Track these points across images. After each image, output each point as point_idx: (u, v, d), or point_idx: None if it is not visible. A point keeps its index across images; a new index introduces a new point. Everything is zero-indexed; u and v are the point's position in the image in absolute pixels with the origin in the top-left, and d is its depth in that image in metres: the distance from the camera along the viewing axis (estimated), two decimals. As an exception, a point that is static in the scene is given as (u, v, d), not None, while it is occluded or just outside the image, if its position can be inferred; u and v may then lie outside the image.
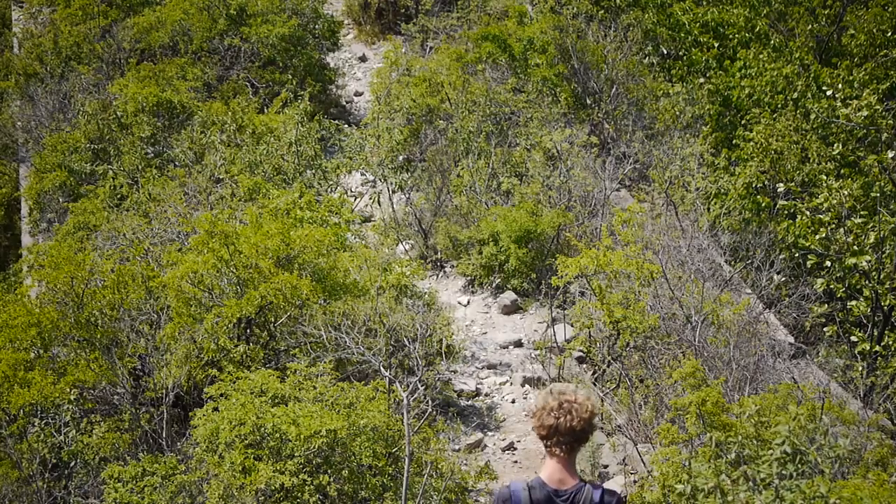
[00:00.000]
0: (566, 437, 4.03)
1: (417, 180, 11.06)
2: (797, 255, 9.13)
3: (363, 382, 6.31)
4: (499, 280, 9.54)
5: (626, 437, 6.71)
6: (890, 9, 12.53)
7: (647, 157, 10.68)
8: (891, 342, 8.01)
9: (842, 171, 9.91)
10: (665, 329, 7.18)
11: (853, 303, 8.38)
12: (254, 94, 13.26)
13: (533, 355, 8.26)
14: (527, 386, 7.90)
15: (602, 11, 13.38)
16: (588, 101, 12.12)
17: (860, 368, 7.63)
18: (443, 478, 5.85)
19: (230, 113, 11.24)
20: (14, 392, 6.56)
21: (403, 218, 10.74)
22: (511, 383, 8.00)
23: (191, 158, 10.80)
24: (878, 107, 9.10)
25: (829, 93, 10.04)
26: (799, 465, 4.60)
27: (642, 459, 6.37)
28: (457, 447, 7.11)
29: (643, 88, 12.01)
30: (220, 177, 10.05)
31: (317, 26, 14.86)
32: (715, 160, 10.52)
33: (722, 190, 10.04)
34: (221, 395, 5.86)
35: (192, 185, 9.70)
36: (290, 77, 13.56)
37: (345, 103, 14.96)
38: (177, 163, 10.98)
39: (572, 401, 4.03)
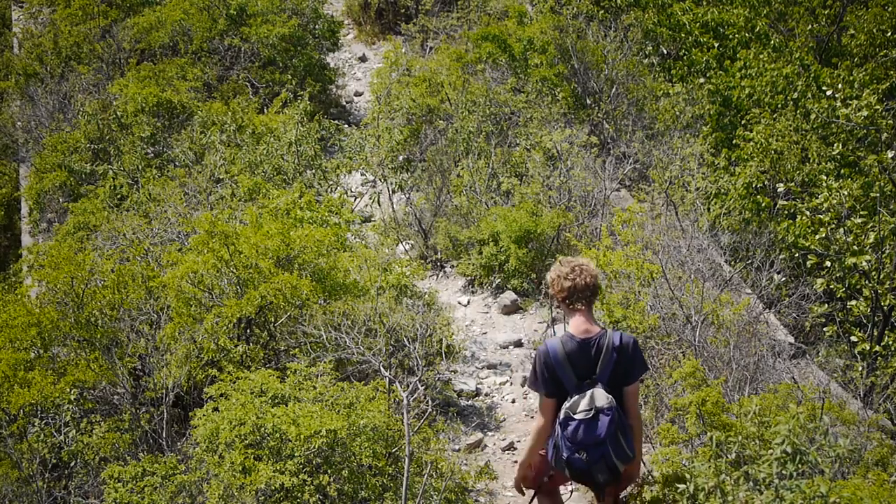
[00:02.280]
0: (583, 293, 4.87)
1: (417, 180, 11.05)
2: (797, 255, 9.14)
3: (363, 382, 6.31)
4: (499, 280, 9.53)
5: (626, 437, 6.69)
6: (890, 9, 12.55)
7: (647, 157, 10.67)
8: (891, 342, 8.01)
9: (842, 171, 9.92)
10: (665, 329, 7.17)
11: (853, 303, 8.39)
12: (254, 94, 13.27)
13: (533, 355, 8.26)
14: (527, 386, 7.90)
15: (602, 11, 13.38)
16: (588, 101, 12.12)
17: (860, 368, 7.63)
18: (443, 478, 5.85)
19: (230, 113, 11.24)
20: (14, 392, 6.56)
21: (403, 218, 10.73)
22: (511, 383, 8.00)
23: (191, 158, 10.80)
24: (877, 107, 9.10)
25: (829, 93, 10.04)
26: (799, 465, 4.60)
27: (642, 459, 6.36)
28: (457, 447, 7.11)
29: (643, 88, 12.01)
30: (220, 177, 10.05)
31: (317, 26, 14.87)
32: (715, 160, 10.52)
33: (722, 190, 10.04)
34: (221, 395, 5.86)
35: (192, 185, 9.70)
36: (290, 77, 13.56)
37: (345, 103, 14.97)
38: (177, 163, 10.97)
39: (581, 264, 4.92)
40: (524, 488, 5.23)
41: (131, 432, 6.59)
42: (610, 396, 4.84)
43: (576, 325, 4.92)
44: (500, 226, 9.36)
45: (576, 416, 4.83)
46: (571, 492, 6.60)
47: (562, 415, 4.88)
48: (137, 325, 7.18)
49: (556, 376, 4.87)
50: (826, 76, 10.72)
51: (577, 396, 4.84)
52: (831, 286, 8.63)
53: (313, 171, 10.59)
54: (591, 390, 4.84)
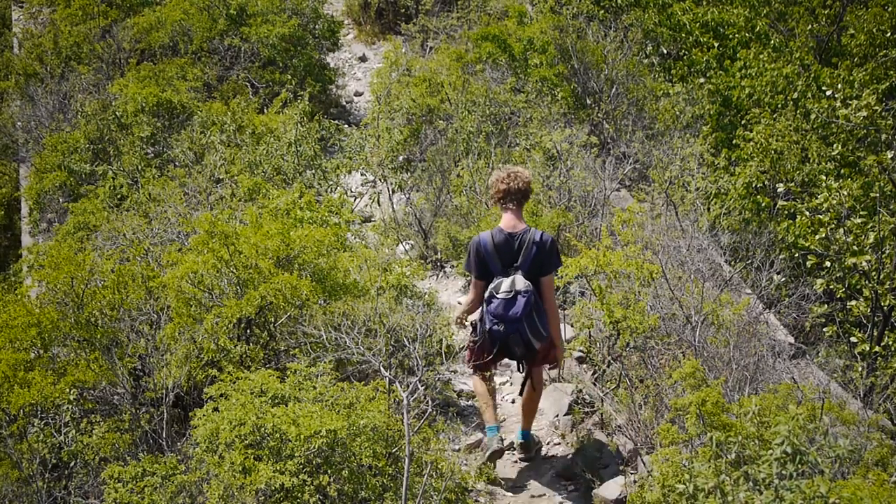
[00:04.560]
0: (515, 195, 6.06)
1: (417, 180, 11.05)
2: (797, 255, 9.14)
3: (363, 383, 6.31)
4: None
5: (626, 437, 6.71)
6: (890, 9, 12.56)
7: (647, 157, 10.67)
8: (891, 342, 8.03)
9: (842, 171, 9.93)
10: (665, 329, 7.17)
11: (853, 303, 8.39)
12: (254, 94, 13.27)
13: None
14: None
15: (602, 11, 13.39)
16: (588, 101, 12.13)
17: (860, 368, 7.64)
18: (443, 478, 5.85)
19: (230, 113, 11.24)
20: (14, 392, 6.56)
21: (403, 218, 10.73)
22: (511, 383, 7.99)
23: (191, 158, 10.79)
24: (877, 107, 9.11)
25: (829, 93, 10.05)
26: (799, 465, 4.59)
27: (642, 459, 6.37)
28: (457, 447, 7.11)
29: (643, 88, 12.01)
30: (220, 177, 10.04)
31: (317, 26, 14.87)
32: (715, 160, 10.52)
33: (722, 190, 10.05)
34: (221, 395, 5.86)
35: (192, 186, 9.69)
36: (290, 77, 13.56)
37: (345, 103, 14.97)
38: (177, 163, 10.97)
39: (516, 172, 6.10)
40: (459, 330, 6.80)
41: (131, 432, 6.59)
42: (528, 282, 5.96)
43: (506, 221, 6.09)
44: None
45: (498, 296, 5.97)
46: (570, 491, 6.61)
47: (487, 293, 6.04)
48: (137, 325, 7.18)
49: (484, 262, 6.05)
50: (826, 76, 10.72)
51: (501, 279, 5.98)
52: (831, 286, 8.64)
53: (313, 171, 10.59)
54: (513, 276, 5.96)
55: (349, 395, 5.94)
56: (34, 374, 6.67)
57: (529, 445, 6.81)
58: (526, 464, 6.91)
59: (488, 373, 6.62)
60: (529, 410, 6.72)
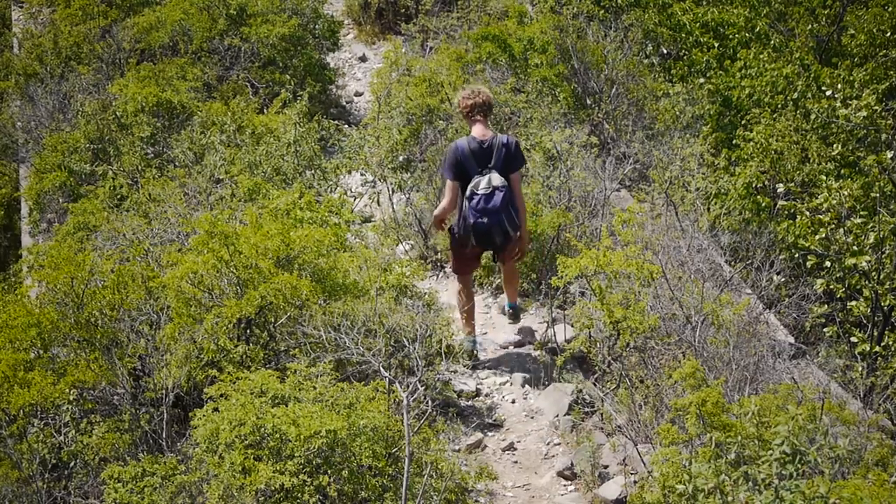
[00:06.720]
0: (481, 108, 7.27)
1: (417, 180, 11.04)
2: (797, 255, 9.14)
3: (363, 383, 6.31)
4: (499, 280, 9.52)
5: (626, 437, 6.71)
6: (890, 9, 12.56)
7: (647, 157, 10.66)
8: (891, 342, 8.03)
9: (842, 172, 9.92)
10: (665, 329, 7.17)
11: (853, 303, 8.40)
12: (254, 95, 13.25)
13: (533, 355, 8.27)
14: (527, 386, 7.90)
15: (602, 11, 13.38)
16: (588, 101, 12.12)
17: (860, 369, 7.64)
18: (443, 478, 5.85)
19: (230, 113, 11.23)
20: (14, 392, 6.56)
21: (403, 218, 10.73)
22: (511, 384, 8.00)
23: (191, 159, 10.79)
24: (877, 107, 9.11)
25: (828, 93, 10.05)
26: (799, 466, 4.59)
27: (642, 459, 6.38)
28: (457, 447, 7.11)
29: (643, 88, 12.00)
30: (220, 177, 10.04)
31: (317, 26, 14.86)
32: (715, 160, 10.52)
33: (722, 190, 10.04)
34: (221, 395, 5.86)
35: (192, 186, 9.69)
36: (289, 77, 13.55)
37: (345, 103, 14.96)
38: (177, 163, 10.96)
39: (479, 88, 7.41)
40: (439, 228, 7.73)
41: (131, 433, 6.59)
42: (503, 179, 7.08)
43: (476, 130, 7.24)
44: (500, 226, 9.32)
45: (478, 192, 7.05)
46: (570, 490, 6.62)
47: (468, 192, 7.10)
48: (137, 325, 7.17)
49: (461, 165, 7.14)
50: (826, 76, 10.72)
51: (478, 178, 7.07)
52: (831, 286, 8.64)
53: (313, 171, 10.58)
54: (489, 175, 7.05)
55: (349, 396, 5.94)
56: (34, 374, 6.67)
57: (516, 311, 8.24)
58: (525, 464, 6.90)
59: (472, 275, 7.98)
60: (512, 285, 8.10)
